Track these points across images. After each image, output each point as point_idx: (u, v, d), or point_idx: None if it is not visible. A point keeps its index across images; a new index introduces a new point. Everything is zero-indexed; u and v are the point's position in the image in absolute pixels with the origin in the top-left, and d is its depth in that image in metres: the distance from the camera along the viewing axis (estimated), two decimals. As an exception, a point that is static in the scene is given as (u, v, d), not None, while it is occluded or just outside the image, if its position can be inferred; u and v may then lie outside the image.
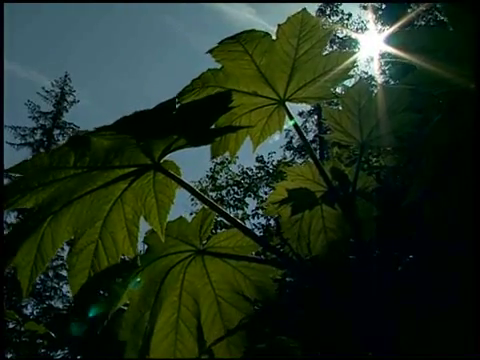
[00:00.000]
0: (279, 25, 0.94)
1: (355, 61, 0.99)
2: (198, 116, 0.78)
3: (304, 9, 0.91)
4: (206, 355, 0.90)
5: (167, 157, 0.79)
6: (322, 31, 0.95)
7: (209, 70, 0.97)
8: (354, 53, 0.99)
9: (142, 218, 0.80)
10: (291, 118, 1.01)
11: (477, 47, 0.71)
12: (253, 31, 0.93)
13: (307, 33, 0.95)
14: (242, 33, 0.92)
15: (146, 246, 0.90)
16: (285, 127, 1.08)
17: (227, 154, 1.05)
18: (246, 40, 0.93)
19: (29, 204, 0.76)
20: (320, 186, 1.15)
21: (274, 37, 0.95)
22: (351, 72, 0.99)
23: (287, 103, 1.03)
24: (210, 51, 0.94)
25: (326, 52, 0.98)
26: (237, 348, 0.89)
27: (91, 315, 0.77)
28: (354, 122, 1.09)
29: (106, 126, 0.70)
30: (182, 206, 10.51)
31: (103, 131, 0.71)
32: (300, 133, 0.99)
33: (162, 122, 0.74)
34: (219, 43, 0.93)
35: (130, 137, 0.75)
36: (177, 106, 0.73)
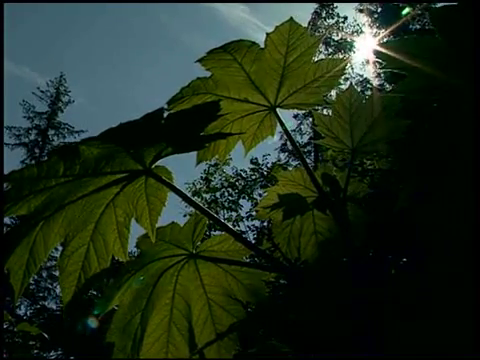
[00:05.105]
0: (267, 34, 0.96)
1: (346, 67, 1.00)
2: (188, 123, 0.79)
3: (291, 18, 0.93)
4: (197, 357, 0.91)
5: (160, 161, 0.80)
6: (311, 39, 0.96)
7: (198, 78, 0.98)
8: (345, 60, 1.00)
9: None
10: (282, 125, 1.02)
11: (464, 54, 0.73)
12: (241, 41, 0.94)
13: (295, 41, 0.96)
14: (230, 43, 0.93)
15: (139, 251, 0.91)
16: (279, 130, 1.09)
17: (217, 157, 1.06)
18: (234, 49, 0.94)
19: (21, 212, 0.77)
20: (311, 191, 1.14)
21: (262, 45, 0.96)
22: (342, 79, 1.00)
23: (279, 109, 1.04)
24: (199, 60, 0.95)
25: (320, 57, 0.99)
26: (228, 351, 0.90)
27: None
28: (345, 128, 1.08)
29: (93, 137, 0.71)
30: (175, 207, 10.46)
31: (91, 141, 0.72)
32: (291, 140, 0.99)
33: (151, 130, 0.75)
34: (208, 53, 0.94)
35: (120, 145, 0.75)
36: (167, 113, 0.74)
